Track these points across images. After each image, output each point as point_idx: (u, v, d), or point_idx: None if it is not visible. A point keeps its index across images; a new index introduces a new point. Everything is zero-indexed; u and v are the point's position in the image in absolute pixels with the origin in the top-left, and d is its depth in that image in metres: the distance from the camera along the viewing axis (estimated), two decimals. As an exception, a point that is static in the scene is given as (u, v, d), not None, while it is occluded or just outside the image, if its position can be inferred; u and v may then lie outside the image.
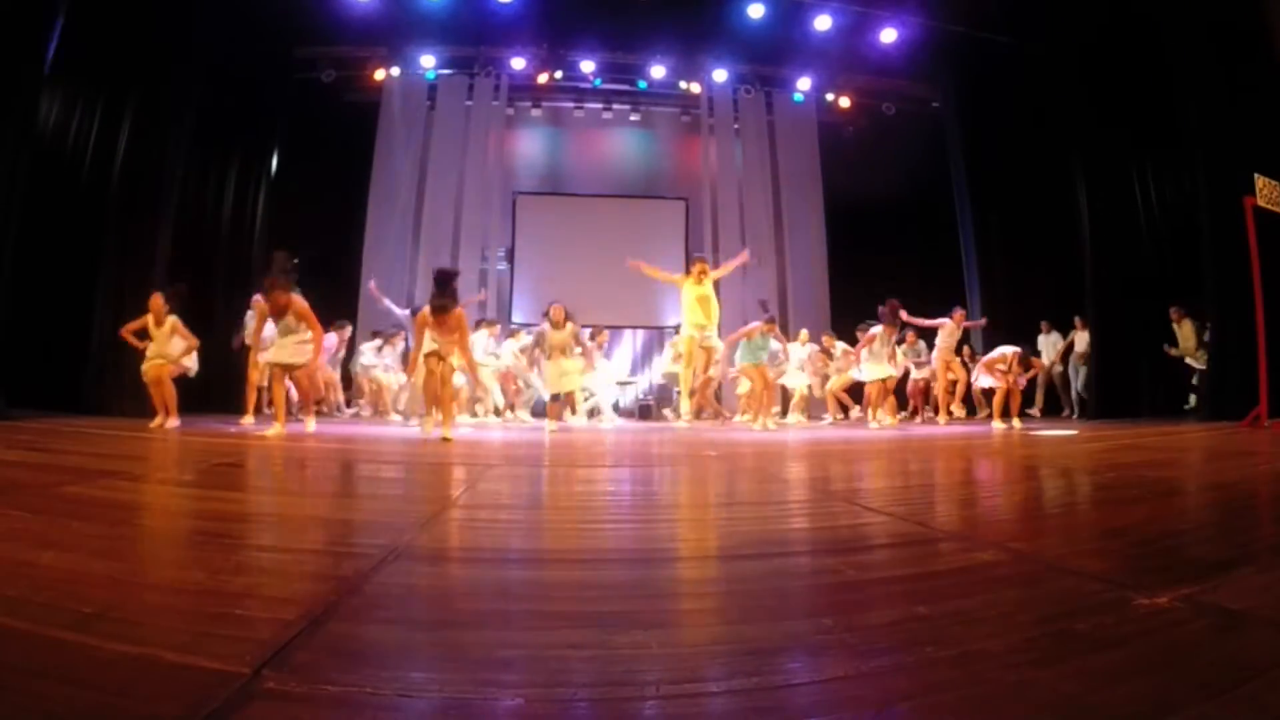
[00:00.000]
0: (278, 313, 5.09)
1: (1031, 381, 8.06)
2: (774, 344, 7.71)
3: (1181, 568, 1.22)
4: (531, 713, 0.68)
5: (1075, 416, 8.73)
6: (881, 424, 7.24)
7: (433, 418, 5.18)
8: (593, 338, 8.13)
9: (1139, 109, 8.20)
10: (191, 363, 6.19)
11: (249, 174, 9.53)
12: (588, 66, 11.37)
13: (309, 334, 5.24)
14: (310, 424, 5.37)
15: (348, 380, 9.08)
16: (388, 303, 8.64)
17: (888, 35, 10.36)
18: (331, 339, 6.73)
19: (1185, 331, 7.91)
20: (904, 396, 9.03)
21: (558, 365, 6.64)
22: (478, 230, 11.04)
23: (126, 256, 7.16)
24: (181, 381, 6.09)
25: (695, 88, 11.66)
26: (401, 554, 1.30)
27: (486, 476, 2.84)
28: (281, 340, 5.26)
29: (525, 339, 8.15)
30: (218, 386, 7.61)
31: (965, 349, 8.52)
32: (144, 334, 5.93)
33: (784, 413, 9.09)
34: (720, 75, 11.54)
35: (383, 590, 1.08)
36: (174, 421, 5.70)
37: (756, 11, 10.16)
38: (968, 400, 8.84)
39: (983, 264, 10.39)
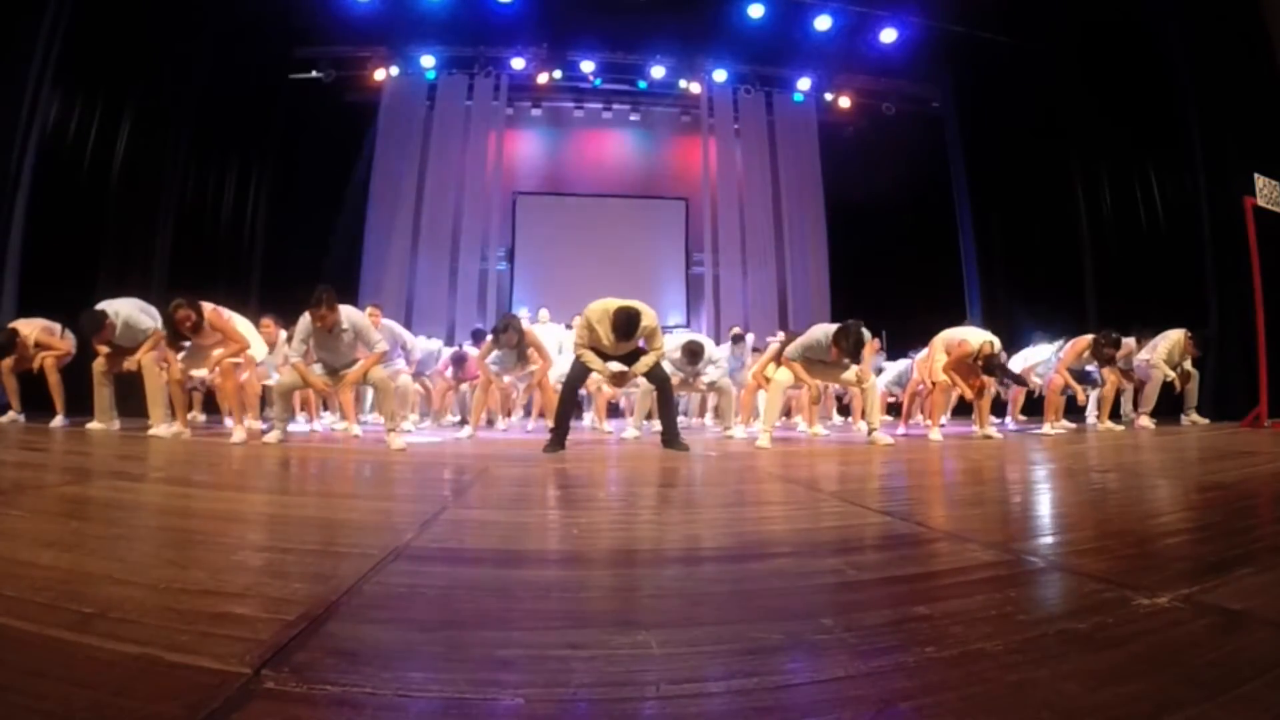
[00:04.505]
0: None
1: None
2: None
3: (1181, 568, 1.22)
4: (531, 713, 0.68)
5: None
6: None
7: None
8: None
9: (1139, 109, 8.20)
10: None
11: (249, 174, 9.54)
12: (588, 66, 11.37)
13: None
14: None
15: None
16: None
17: (888, 35, 10.37)
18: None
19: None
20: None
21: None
22: (478, 230, 11.05)
23: (126, 257, 7.17)
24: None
25: (695, 88, 11.66)
26: (401, 554, 1.30)
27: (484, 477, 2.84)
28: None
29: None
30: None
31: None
32: None
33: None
34: (720, 75, 11.55)
35: (383, 590, 1.08)
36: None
37: (756, 11, 10.18)
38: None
39: (983, 263, 10.41)
